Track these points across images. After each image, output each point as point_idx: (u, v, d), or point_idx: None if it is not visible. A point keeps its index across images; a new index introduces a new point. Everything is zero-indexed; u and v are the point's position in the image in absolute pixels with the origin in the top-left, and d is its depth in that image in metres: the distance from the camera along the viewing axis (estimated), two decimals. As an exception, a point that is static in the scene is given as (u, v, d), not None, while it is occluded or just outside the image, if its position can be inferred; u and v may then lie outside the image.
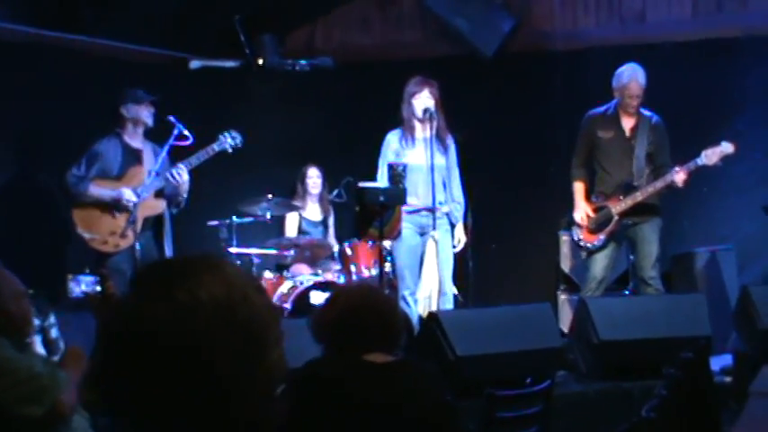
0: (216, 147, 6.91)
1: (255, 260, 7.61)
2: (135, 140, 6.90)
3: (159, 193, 6.87)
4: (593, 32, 8.30)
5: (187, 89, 8.12)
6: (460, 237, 7.02)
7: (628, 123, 6.88)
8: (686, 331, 5.70)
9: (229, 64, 8.60)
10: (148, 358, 1.40)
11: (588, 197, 6.99)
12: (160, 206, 6.91)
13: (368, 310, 3.09)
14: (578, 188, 7.02)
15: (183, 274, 1.46)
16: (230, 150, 6.98)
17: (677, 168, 6.61)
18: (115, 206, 6.64)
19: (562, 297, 7.80)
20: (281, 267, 7.89)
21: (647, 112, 6.90)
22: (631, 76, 6.79)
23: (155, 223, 6.95)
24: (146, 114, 6.83)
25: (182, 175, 6.75)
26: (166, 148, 6.71)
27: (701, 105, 7.75)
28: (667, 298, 6.53)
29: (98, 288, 3.77)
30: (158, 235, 6.98)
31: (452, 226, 7.01)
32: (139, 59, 8.15)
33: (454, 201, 7.02)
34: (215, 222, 7.77)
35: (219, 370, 1.40)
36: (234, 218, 7.68)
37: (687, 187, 6.68)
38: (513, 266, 8.47)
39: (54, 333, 5.87)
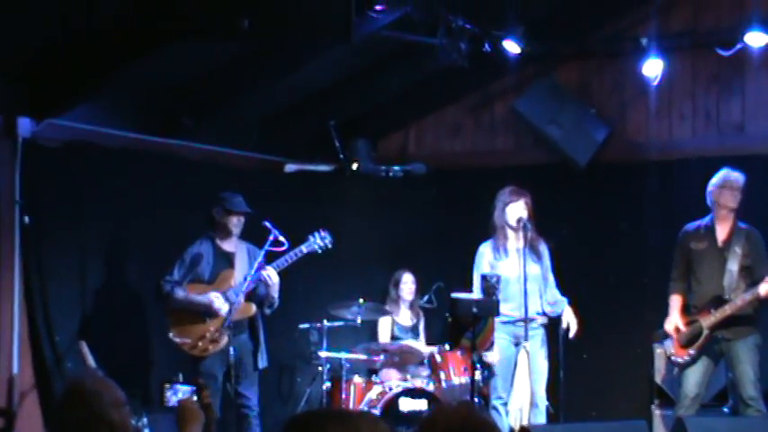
0: (305, 248, 6.92)
1: (345, 364, 7.59)
2: (227, 243, 6.99)
3: (249, 296, 6.93)
4: (688, 143, 8.24)
5: (282, 192, 8.26)
6: (570, 320, 6.94)
7: (721, 234, 6.75)
8: (790, 455, 5.49)
9: (323, 168, 8.74)
10: None
11: (684, 311, 6.85)
12: (251, 309, 6.96)
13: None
14: (674, 301, 6.89)
15: (312, 424, 1.50)
16: (320, 251, 6.99)
17: (767, 278, 6.45)
18: (206, 311, 6.72)
19: (657, 412, 7.58)
20: (370, 372, 7.86)
21: (743, 225, 6.77)
22: (731, 171, 6.70)
23: (249, 326, 7.00)
24: (234, 223, 6.93)
25: (271, 277, 6.79)
26: (262, 253, 6.78)
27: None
28: (769, 419, 6.31)
29: (195, 398, 3.78)
30: (253, 338, 7.01)
31: (547, 329, 6.92)
32: (236, 163, 8.33)
33: (554, 297, 6.95)
34: (306, 325, 7.82)
35: None
36: (324, 321, 7.70)
37: None
38: (605, 378, 8.29)
39: (146, 433, 5.95)
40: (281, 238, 6.75)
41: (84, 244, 7.30)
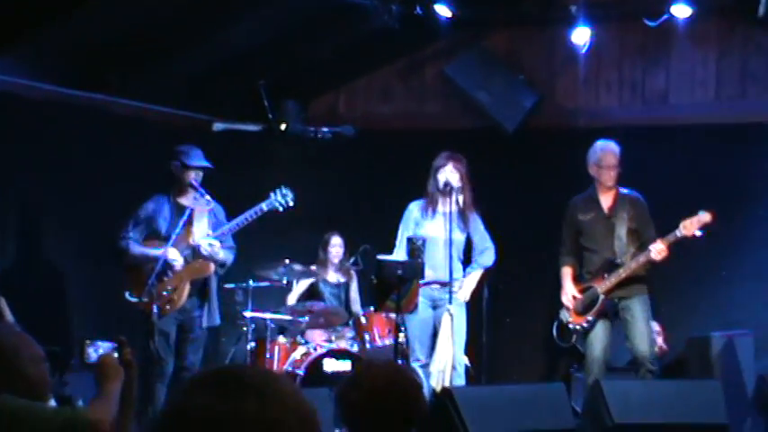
0: (265, 206, 6.69)
1: (270, 325, 7.60)
2: (185, 198, 6.71)
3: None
4: (615, 112, 8.36)
5: (209, 151, 8.16)
6: (466, 285, 6.99)
7: (606, 202, 6.90)
8: (702, 418, 5.66)
9: (252, 128, 8.66)
10: None
11: (576, 279, 6.98)
12: (209, 268, 6.71)
13: (393, 394, 3.05)
14: (565, 273, 7.02)
15: (247, 376, 1.50)
16: (281, 209, 6.75)
17: (659, 240, 6.57)
18: (162, 270, 6.45)
19: (576, 375, 7.73)
20: (295, 333, 7.87)
21: (624, 190, 6.90)
22: (604, 147, 6.83)
23: (201, 287, 6.74)
24: (192, 177, 6.64)
25: (202, 247, 6.58)
26: (187, 212, 6.62)
27: (722, 190, 7.74)
28: (683, 383, 6.46)
29: (116, 354, 3.74)
30: (202, 297, 6.76)
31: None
32: (163, 120, 8.22)
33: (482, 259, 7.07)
34: (231, 285, 7.78)
35: None
36: (250, 281, 7.68)
37: (666, 261, 6.57)
38: (527, 340, 8.42)
39: (68, 391, 5.89)
40: (208, 197, 6.64)
41: (3, 198, 7.15)
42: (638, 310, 6.71)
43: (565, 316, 6.95)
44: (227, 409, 1.45)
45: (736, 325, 7.56)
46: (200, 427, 1.44)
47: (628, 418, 5.69)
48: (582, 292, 6.88)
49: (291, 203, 6.78)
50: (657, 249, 6.52)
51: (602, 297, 6.77)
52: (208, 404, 1.46)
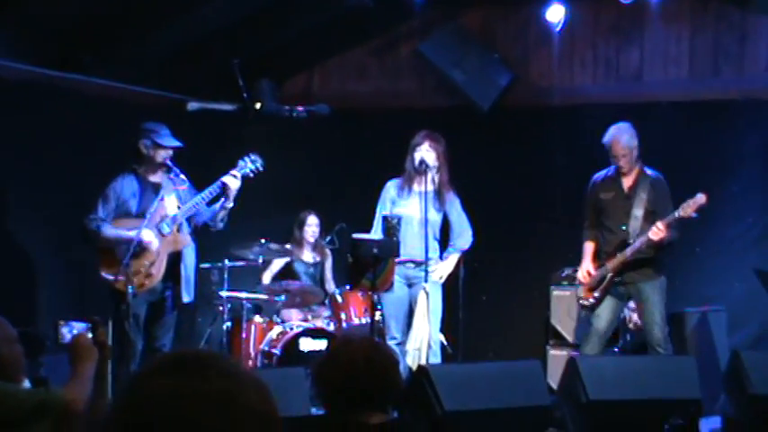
0: (237, 173, 6.60)
1: (246, 304, 7.59)
2: (154, 175, 6.57)
3: (180, 227, 6.59)
4: (589, 89, 8.38)
5: (184, 131, 8.11)
6: (443, 267, 6.99)
7: (627, 182, 6.89)
8: (676, 394, 5.70)
9: (226, 107, 8.62)
10: None
11: (597, 257, 7.01)
12: (185, 241, 6.59)
13: (371, 371, 3.05)
14: (587, 248, 7.03)
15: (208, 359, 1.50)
16: (252, 175, 6.66)
17: (658, 222, 6.59)
18: (137, 247, 6.29)
19: (551, 352, 7.78)
20: (271, 312, 7.87)
21: (648, 171, 6.89)
22: (613, 135, 6.80)
23: (173, 267, 6.55)
24: (162, 156, 6.53)
25: (230, 185, 6.48)
26: (161, 194, 6.53)
27: (696, 166, 7.79)
28: (658, 359, 6.52)
29: (89, 335, 3.73)
30: (174, 280, 6.59)
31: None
32: (137, 100, 8.16)
33: (459, 241, 7.07)
34: (207, 265, 7.75)
35: None
36: (226, 261, 7.66)
37: (663, 242, 6.57)
38: (503, 319, 8.46)
39: (43, 372, 5.86)
40: (183, 177, 6.59)
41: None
42: (647, 295, 6.74)
43: (579, 291, 7.01)
44: (193, 389, 1.46)
45: (709, 301, 7.63)
46: (170, 409, 1.44)
47: (603, 394, 5.72)
48: (597, 269, 6.92)
49: (261, 168, 6.71)
50: (654, 231, 6.55)
51: (609, 275, 6.81)
52: (173, 386, 1.46)
